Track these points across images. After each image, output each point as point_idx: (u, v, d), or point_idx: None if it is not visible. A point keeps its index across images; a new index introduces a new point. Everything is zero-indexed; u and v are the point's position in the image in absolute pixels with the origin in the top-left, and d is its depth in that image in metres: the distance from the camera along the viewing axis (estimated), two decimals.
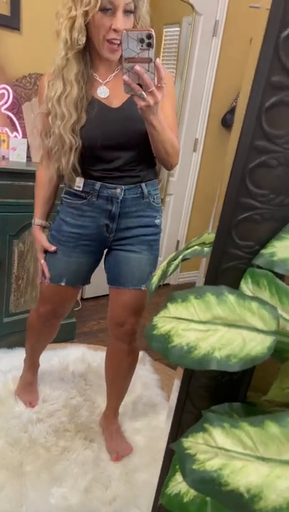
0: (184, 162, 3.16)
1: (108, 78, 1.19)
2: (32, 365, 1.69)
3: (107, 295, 3.05)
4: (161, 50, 3.22)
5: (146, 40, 0.90)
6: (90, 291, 2.83)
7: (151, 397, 1.82)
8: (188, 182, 3.24)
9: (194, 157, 3.19)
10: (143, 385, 1.88)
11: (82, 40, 1.08)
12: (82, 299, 2.82)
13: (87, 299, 2.86)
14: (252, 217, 0.56)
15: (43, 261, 1.35)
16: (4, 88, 1.96)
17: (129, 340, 1.42)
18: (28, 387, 1.70)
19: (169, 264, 0.71)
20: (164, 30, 3.20)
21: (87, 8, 1.03)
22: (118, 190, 1.23)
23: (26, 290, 2.01)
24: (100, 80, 1.19)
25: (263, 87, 0.50)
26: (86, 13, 1.04)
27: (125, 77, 0.94)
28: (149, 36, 0.89)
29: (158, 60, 0.92)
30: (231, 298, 0.51)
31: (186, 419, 0.73)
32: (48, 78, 1.18)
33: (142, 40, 0.90)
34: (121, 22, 1.05)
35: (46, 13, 2.03)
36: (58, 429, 1.55)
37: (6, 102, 1.98)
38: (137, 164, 1.24)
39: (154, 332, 0.55)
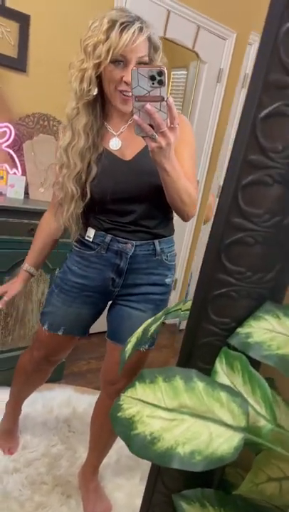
0: None
1: (121, 129, 1.17)
2: (14, 410, 1.61)
3: (100, 333, 2.97)
4: (169, 91, 3.31)
5: (158, 78, 0.84)
6: None
7: None
8: (186, 223, 3.23)
9: None
10: None
11: (93, 91, 1.08)
12: None
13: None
14: (228, 294, 0.54)
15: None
16: (6, 126, 1.99)
17: (115, 396, 1.34)
18: (8, 433, 1.62)
19: (144, 331, 0.67)
20: (172, 73, 3.30)
21: (98, 61, 1.03)
22: (129, 246, 1.18)
23: (14, 328, 1.96)
24: (113, 132, 1.17)
25: (240, 165, 0.48)
26: (98, 65, 1.04)
27: (135, 117, 0.88)
28: (161, 73, 0.84)
29: (170, 98, 0.87)
30: (200, 385, 0.47)
31: (157, 500, 0.68)
32: (62, 128, 1.18)
33: (152, 78, 0.84)
34: (140, 66, 1.00)
35: (52, 55, 2.10)
36: (35, 482, 1.47)
37: (7, 140, 2.01)
38: (151, 219, 1.18)
39: (119, 414, 0.51)
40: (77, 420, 1.83)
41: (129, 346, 0.65)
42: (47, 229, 1.33)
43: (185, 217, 1.14)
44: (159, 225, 1.20)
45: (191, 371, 0.49)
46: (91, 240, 1.22)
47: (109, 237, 1.19)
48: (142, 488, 1.48)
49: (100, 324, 2.88)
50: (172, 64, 3.14)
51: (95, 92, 1.08)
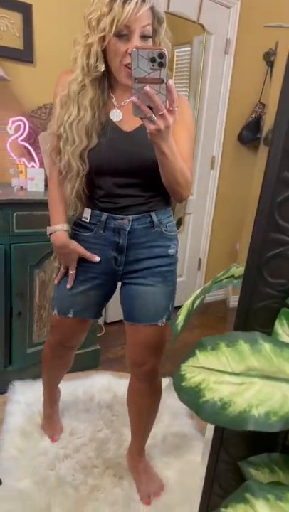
0: (202, 180, 3.12)
1: (123, 102, 1.17)
2: (49, 396, 1.65)
3: None
4: (174, 70, 3.24)
5: (158, 60, 0.83)
6: (112, 315, 2.79)
7: (181, 427, 1.75)
8: (206, 200, 3.20)
9: (212, 174, 3.16)
10: (171, 415, 1.81)
11: (100, 66, 1.08)
12: (105, 323, 2.78)
13: (110, 323, 2.81)
14: (284, 254, 0.52)
15: (72, 271, 1.25)
16: (20, 120, 1.98)
17: (150, 380, 1.34)
18: (49, 419, 1.66)
19: (194, 301, 0.66)
20: (176, 50, 3.23)
21: (102, 34, 1.02)
22: (125, 221, 1.19)
23: (48, 319, 1.98)
24: (115, 103, 1.17)
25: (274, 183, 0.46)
26: (102, 39, 1.04)
27: (134, 99, 0.87)
28: (161, 55, 0.82)
29: (170, 81, 0.85)
30: (267, 346, 0.46)
31: (221, 469, 0.68)
32: (60, 91, 1.14)
33: (153, 60, 0.83)
34: (140, 46, 1.01)
35: (58, 43, 2.07)
36: (86, 466, 1.50)
37: (22, 134, 2.00)
38: (145, 192, 1.19)
39: (183, 384, 0.50)
40: (119, 404, 1.85)
41: (181, 319, 0.64)
42: (63, 198, 1.26)
43: (178, 199, 1.15)
44: (155, 198, 1.20)
45: (254, 334, 0.48)
46: (88, 220, 1.23)
47: (105, 216, 1.20)
48: (192, 465, 1.49)
49: None
50: (174, 42, 3.06)
51: (103, 68, 1.08)
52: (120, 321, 2.90)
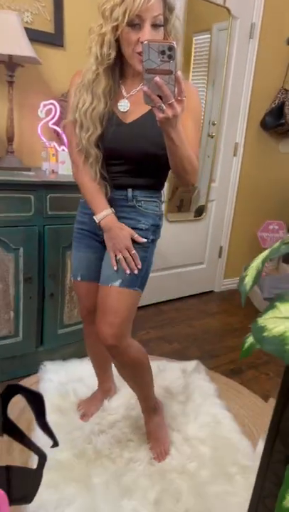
0: (225, 166, 3.12)
1: (132, 92, 1.23)
2: (97, 377, 1.72)
3: (154, 304, 3.03)
4: (192, 58, 3.22)
5: (168, 52, 0.88)
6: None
7: (211, 406, 1.77)
8: (229, 187, 3.20)
9: (235, 161, 3.15)
10: (201, 395, 1.84)
11: (112, 54, 1.14)
12: None
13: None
14: None
15: (133, 251, 1.27)
16: (51, 104, 2.00)
17: (113, 355, 1.34)
18: (90, 399, 1.72)
19: (263, 262, 0.67)
20: (194, 38, 3.20)
21: (115, 24, 1.08)
22: (107, 192, 1.29)
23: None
24: (124, 93, 1.24)
25: None
26: (115, 29, 1.09)
27: (145, 88, 0.92)
28: (171, 48, 0.88)
29: (179, 72, 0.91)
30: None
31: (275, 459, 0.69)
32: (75, 86, 1.23)
33: (163, 52, 0.88)
34: (148, 35, 1.08)
35: (87, 27, 2.08)
36: (121, 440, 1.53)
37: (53, 117, 2.02)
38: (134, 175, 1.27)
39: (265, 334, 0.52)
40: None
41: (248, 279, 0.66)
42: (93, 180, 1.29)
43: (185, 184, 1.19)
44: (138, 178, 1.27)
45: None
46: None
47: None
48: (224, 441, 1.52)
49: (154, 295, 2.92)
50: (193, 29, 3.05)
51: (114, 54, 1.14)
52: (144, 307, 2.94)
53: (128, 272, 1.27)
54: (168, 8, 1.13)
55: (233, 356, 2.35)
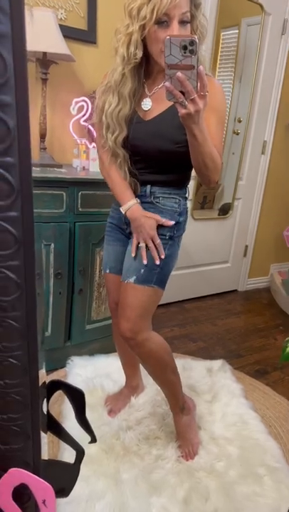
0: (253, 165, 3.09)
1: (154, 90, 1.24)
2: (125, 373, 1.74)
3: (177, 302, 3.03)
4: (219, 53, 3.19)
5: (190, 47, 0.88)
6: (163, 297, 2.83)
7: (238, 406, 1.77)
8: (256, 185, 3.16)
9: (263, 159, 3.11)
10: (228, 394, 1.84)
11: (139, 54, 1.14)
12: None
13: (159, 305, 2.85)
14: None
15: (158, 241, 1.28)
16: (83, 101, 2.02)
17: (132, 346, 1.35)
18: (118, 395, 1.74)
19: None
20: (222, 33, 3.17)
21: (143, 22, 1.08)
22: (137, 189, 1.32)
23: (107, 297, 2.02)
24: (147, 92, 1.25)
25: None
26: (142, 27, 1.10)
27: (167, 84, 0.92)
28: (192, 43, 0.87)
29: (201, 67, 0.89)
30: None
31: None
32: (100, 87, 1.26)
33: (184, 47, 0.88)
34: (176, 32, 1.08)
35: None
36: (149, 437, 1.54)
37: (84, 114, 2.04)
38: (153, 172, 1.29)
39: None
40: None
41: None
42: (118, 172, 1.32)
43: (206, 182, 1.17)
44: (158, 176, 1.29)
45: None
46: None
47: None
48: (251, 441, 1.51)
49: (177, 293, 2.92)
50: (221, 24, 3.01)
51: (140, 54, 1.14)
52: (167, 305, 2.95)
53: (145, 262, 1.28)
54: (194, 5, 1.13)
55: (258, 357, 2.33)
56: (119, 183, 1.32)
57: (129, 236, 1.39)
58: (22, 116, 0.45)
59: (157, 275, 1.30)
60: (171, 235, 1.32)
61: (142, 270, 1.29)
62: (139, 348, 1.34)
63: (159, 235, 1.29)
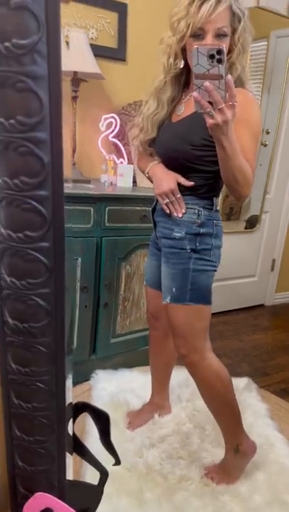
0: (281, 178, 3.05)
1: (188, 96, 1.26)
2: (152, 388, 1.73)
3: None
4: (248, 65, 3.17)
5: (217, 56, 0.87)
6: None
7: (263, 427, 1.73)
8: (284, 199, 3.12)
9: None
10: (252, 415, 1.80)
11: (179, 64, 1.19)
12: None
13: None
14: None
15: (178, 195, 1.26)
16: (112, 117, 2.05)
17: (187, 364, 1.35)
18: (139, 411, 1.73)
19: None
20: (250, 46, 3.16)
21: (181, 35, 1.12)
22: (155, 201, 1.36)
23: (132, 311, 2.04)
24: (183, 98, 1.29)
25: None
26: (181, 40, 1.14)
27: (195, 94, 0.92)
28: (220, 52, 0.87)
29: (229, 76, 0.89)
30: None
31: None
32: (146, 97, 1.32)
33: (212, 56, 0.87)
34: (201, 43, 1.09)
35: (149, 41, 2.10)
36: (172, 456, 1.53)
37: (113, 131, 2.07)
38: None
39: None
40: (200, 399, 1.85)
41: None
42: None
43: (237, 197, 1.15)
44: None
45: None
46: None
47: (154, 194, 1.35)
48: (278, 466, 1.46)
49: None
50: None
51: (181, 65, 1.20)
52: None
53: (176, 214, 1.26)
54: (236, 19, 1.13)
55: (285, 375, 2.28)
56: (144, 156, 1.40)
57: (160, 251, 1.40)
58: (56, 152, 0.46)
59: (190, 292, 1.27)
60: (193, 248, 1.26)
61: (174, 289, 1.28)
62: (192, 367, 1.35)
63: (179, 248, 1.27)
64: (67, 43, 1.81)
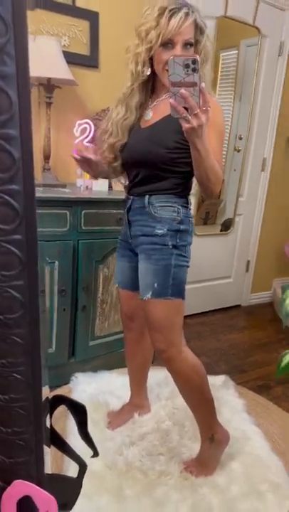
0: (253, 182, 3.14)
1: (155, 102, 1.32)
2: (130, 389, 1.75)
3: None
4: (219, 74, 3.27)
5: (192, 66, 0.94)
6: None
7: (240, 422, 1.78)
8: (257, 202, 3.21)
9: (263, 176, 3.16)
10: (230, 410, 1.84)
11: (146, 71, 1.25)
12: None
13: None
14: None
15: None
16: (86, 123, 2.08)
17: (165, 360, 1.38)
18: (119, 412, 1.75)
19: None
20: (221, 54, 3.26)
21: (150, 45, 1.19)
22: (129, 201, 1.39)
23: (110, 314, 2.06)
24: (150, 104, 1.34)
25: None
26: (150, 49, 1.20)
27: (171, 101, 0.98)
28: (194, 62, 0.94)
29: (203, 84, 0.96)
30: None
31: None
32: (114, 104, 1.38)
33: (187, 66, 0.94)
34: (176, 54, 1.15)
35: (121, 49, 2.15)
36: (152, 453, 1.55)
37: (87, 136, 2.10)
38: (148, 180, 1.33)
39: None
40: (179, 397, 1.88)
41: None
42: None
43: (209, 194, 1.22)
44: (154, 184, 1.32)
45: None
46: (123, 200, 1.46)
47: (125, 196, 1.43)
48: (254, 458, 1.51)
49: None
50: (220, 45, 3.10)
51: (148, 72, 1.26)
52: None
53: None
54: (199, 31, 1.22)
55: (261, 372, 2.34)
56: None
57: (135, 251, 1.42)
58: (26, 148, 0.49)
59: (171, 287, 1.32)
60: (174, 244, 1.31)
61: (156, 284, 1.32)
62: (170, 362, 1.38)
63: (161, 244, 1.31)
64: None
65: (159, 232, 1.32)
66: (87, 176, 2.07)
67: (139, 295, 1.37)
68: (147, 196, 1.34)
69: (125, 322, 1.64)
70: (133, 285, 1.47)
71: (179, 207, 1.34)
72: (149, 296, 1.33)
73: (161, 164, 1.27)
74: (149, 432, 1.67)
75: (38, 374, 0.70)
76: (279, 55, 2.93)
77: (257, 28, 2.73)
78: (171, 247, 1.32)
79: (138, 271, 1.39)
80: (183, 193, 1.35)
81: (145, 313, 1.38)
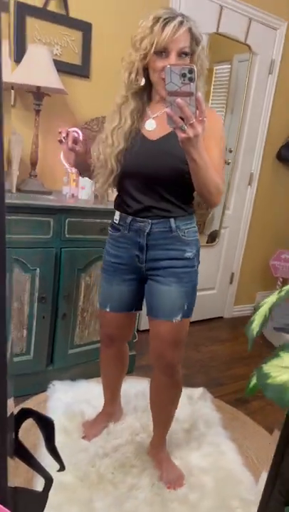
0: (240, 196, 3.17)
1: (158, 113, 1.30)
2: (104, 398, 1.75)
3: None
4: (212, 86, 3.32)
5: (188, 75, 0.94)
6: (146, 322, 2.85)
7: (215, 436, 1.78)
8: (242, 215, 3.24)
9: (249, 191, 3.20)
10: (205, 424, 1.85)
11: (140, 81, 1.24)
12: (138, 331, 2.83)
13: (143, 330, 2.87)
14: None
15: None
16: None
17: (170, 374, 1.44)
18: (93, 421, 1.75)
19: (270, 308, 0.71)
20: (215, 68, 3.31)
21: (144, 53, 1.18)
22: (146, 224, 1.31)
23: (90, 322, 2.06)
24: (150, 114, 1.31)
25: None
26: (144, 57, 1.19)
27: (168, 110, 0.98)
28: (191, 71, 0.93)
29: (199, 93, 0.96)
30: None
31: (272, 507, 0.72)
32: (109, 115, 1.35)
33: (184, 75, 0.94)
34: (173, 63, 1.15)
35: (113, 60, 2.18)
36: (125, 465, 1.55)
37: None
38: (166, 199, 1.29)
39: (269, 381, 0.56)
40: None
41: (256, 324, 0.70)
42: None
43: (209, 205, 1.23)
44: (174, 204, 1.29)
45: None
46: (117, 222, 1.38)
47: (130, 218, 1.34)
48: (226, 472, 1.52)
49: None
50: (214, 59, 3.14)
51: (143, 82, 1.24)
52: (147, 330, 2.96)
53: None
54: (195, 41, 1.21)
55: (240, 385, 2.35)
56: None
57: (144, 274, 1.38)
58: None
59: (192, 306, 1.38)
60: (197, 264, 1.36)
61: (186, 306, 1.34)
62: (176, 375, 1.44)
63: (191, 267, 1.34)
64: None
65: (189, 255, 1.33)
66: (74, 183, 2.08)
67: (161, 317, 1.35)
68: (172, 219, 1.30)
69: (105, 341, 1.62)
70: (128, 307, 1.48)
71: (197, 226, 1.38)
72: (179, 318, 1.34)
73: (177, 177, 1.24)
74: (123, 443, 1.66)
75: (3, 387, 0.70)
76: (269, 73, 2.98)
77: (248, 45, 2.78)
78: (196, 268, 1.36)
79: (145, 293, 1.41)
80: (192, 209, 1.37)
81: (163, 334, 1.37)
